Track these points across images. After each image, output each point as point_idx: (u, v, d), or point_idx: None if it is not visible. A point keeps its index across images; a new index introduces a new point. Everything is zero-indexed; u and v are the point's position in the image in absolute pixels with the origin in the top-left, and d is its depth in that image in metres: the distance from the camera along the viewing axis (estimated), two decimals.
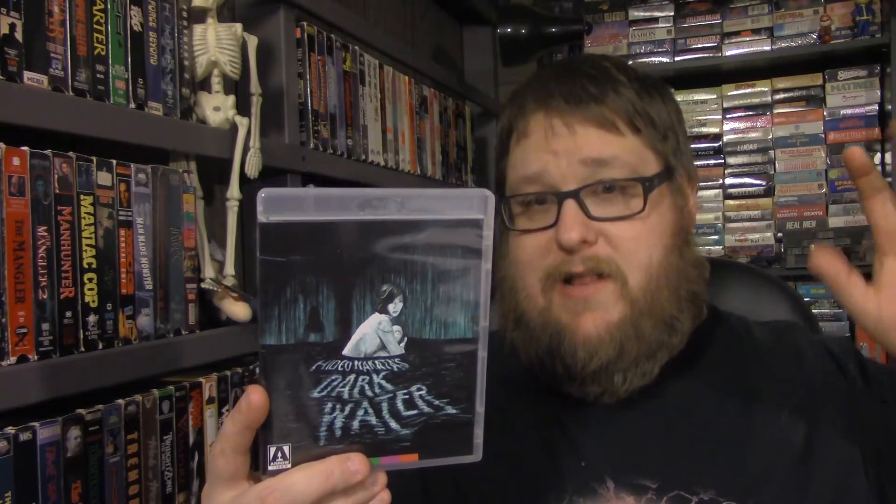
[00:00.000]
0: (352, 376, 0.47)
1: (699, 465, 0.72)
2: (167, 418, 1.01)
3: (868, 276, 0.61)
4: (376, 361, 0.48)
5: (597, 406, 0.76)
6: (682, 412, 0.76)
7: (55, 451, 0.83)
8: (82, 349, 0.91)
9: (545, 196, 0.75)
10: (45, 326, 0.86)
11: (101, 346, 0.94)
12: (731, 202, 2.49)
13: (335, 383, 0.47)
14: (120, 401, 0.93)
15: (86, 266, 0.91)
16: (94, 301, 0.92)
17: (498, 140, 0.82)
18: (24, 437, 0.80)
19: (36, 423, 0.82)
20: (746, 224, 2.47)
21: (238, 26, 1.20)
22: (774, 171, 2.46)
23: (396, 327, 0.48)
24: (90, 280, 0.92)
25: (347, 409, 0.48)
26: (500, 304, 0.80)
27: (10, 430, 0.79)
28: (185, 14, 1.14)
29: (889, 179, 2.29)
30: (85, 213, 0.91)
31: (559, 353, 0.73)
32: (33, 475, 0.81)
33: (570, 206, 0.72)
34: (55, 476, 0.83)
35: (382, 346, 0.48)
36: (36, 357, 0.84)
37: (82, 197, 0.91)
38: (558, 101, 0.75)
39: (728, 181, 2.51)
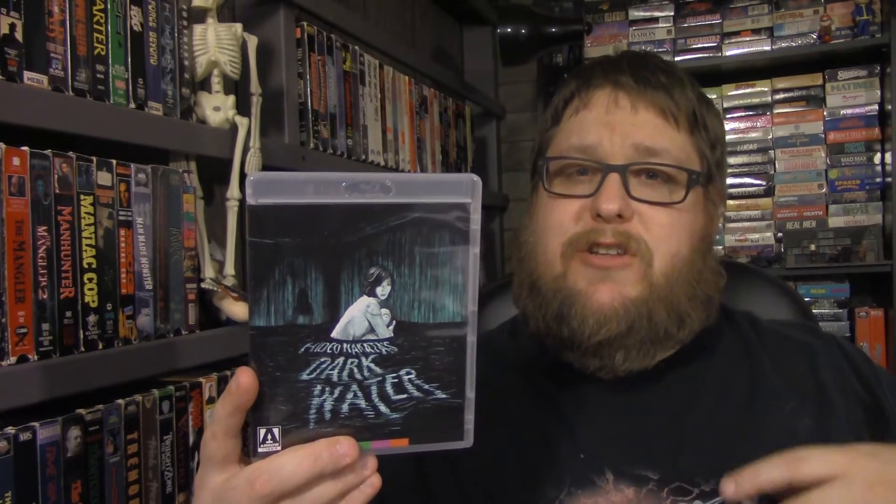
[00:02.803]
0: (340, 359, 0.48)
1: (701, 455, 0.72)
2: (167, 418, 1.01)
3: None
4: (365, 344, 0.48)
5: (596, 385, 0.76)
6: (684, 402, 0.76)
7: (55, 451, 0.83)
8: (82, 349, 0.91)
9: (590, 167, 0.76)
10: (45, 326, 0.86)
11: (101, 346, 0.94)
12: (731, 202, 2.49)
13: (324, 365, 0.47)
14: (120, 401, 0.93)
15: (86, 266, 0.91)
16: (94, 301, 0.92)
17: (551, 109, 0.83)
18: (24, 437, 0.80)
19: (36, 423, 0.82)
20: (746, 224, 2.46)
21: (238, 26, 1.20)
22: (774, 171, 2.46)
23: (385, 310, 0.48)
24: (90, 280, 0.92)
25: (337, 391, 0.48)
26: (517, 270, 0.81)
27: (10, 430, 0.79)
28: (185, 14, 1.14)
29: (889, 179, 2.29)
30: (85, 213, 0.91)
31: (568, 318, 0.73)
32: (33, 475, 0.81)
33: (613, 178, 0.74)
34: (55, 476, 0.83)
35: (371, 329, 0.48)
36: (36, 357, 0.84)
37: (82, 197, 0.91)
38: (627, 79, 0.78)
39: (728, 181, 2.50)
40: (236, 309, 1.18)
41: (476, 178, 0.48)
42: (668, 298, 0.74)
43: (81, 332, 0.91)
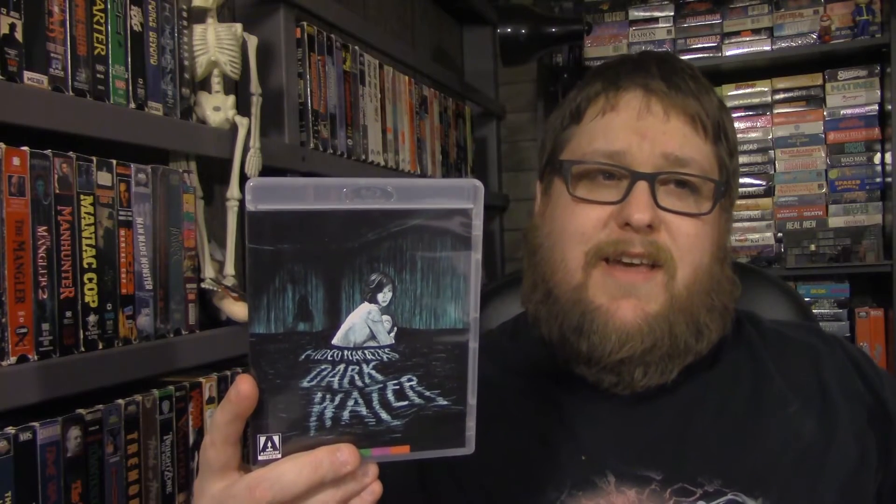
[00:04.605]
0: (341, 366, 0.47)
1: (704, 456, 0.72)
2: (167, 418, 1.01)
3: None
4: (366, 351, 0.47)
5: (603, 395, 0.76)
6: (687, 404, 0.76)
7: (55, 451, 0.83)
8: (82, 349, 0.91)
9: (617, 172, 0.74)
10: (45, 326, 0.86)
11: (101, 346, 0.94)
12: None
13: (325, 373, 0.47)
14: (120, 401, 0.93)
15: (86, 266, 0.91)
16: (94, 301, 0.92)
17: (570, 106, 0.81)
18: (24, 437, 0.80)
19: (36, 423, 0.82)
20: (746, 224, 2.47)
21: (238, 26, 1.20)
22: (774, 171, 2.46)
23: (386, 317, 0.47)
24: (90, 280, 0.92)
25: (337, 399, 0.48)
26: (530, 273, 0.79)
27: (10, 430, 0.79)
28: (185, 14, 1.14)
29: (889, 179, 2.29)
30: (85, 213, 0.91)
31: (588, 332, 0.72)
32: (33, 475, 0.81)
33: (642, 187, 0.72)
34: (55, 476, 0.83)
35: (372, 336, 0.47)
36: (36, 357, 0.84)
37: (82, 197, 0.91)
38: (659, 83, 0.76)
39: None
40: (236, 309, 1.18)
41: (478, 183, 0.47)
42: (688, 310, 0.73)
43: (81, 332, 0.91)
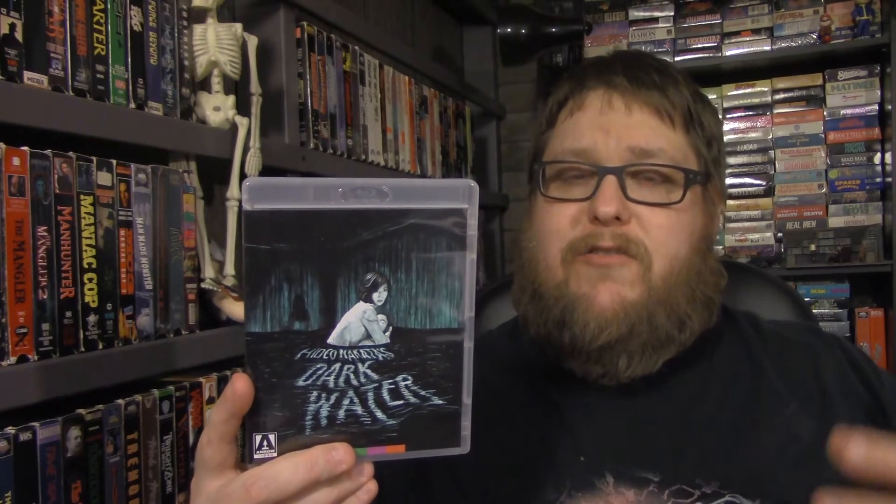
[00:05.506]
0: (337, 365, 0.48)
1: (702, 457, 0.72)
2: (167, 418, 1.01)
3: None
4: (361, 350, 0.48)
5: (598, 391, 0.76)
6: (685, 405, 0.76)
7: (55, 451, 0.83)
8: (82, 349, 0.91)
9: (586, 169, 0.75)
10: (45, 326, 0.86)
11: (101, 346, 0.94)
12: (731, 202, 2.49)
13: (320, 372, 0.47)
14: (120, 401, 0.93)
15: (86, 266, 0.91)
16: (94, 301, 0.92)
17: (546, 111, 0.83)
18: (24, 437, 0.80)
19: (36, 423, 0.82)
20: (746, 224, 2.47)
21: (238, 26, 1.20)
22: (774, 171, 2.46)
23: (381, 316, 0.47)
24: (90, 280, 0.92)
25: (333, 398, 0.48)
26: (518, 275, 0.80)
27: (10, 430, 0.79)
28: (185, 14, 1.14)
29: (889, 179, 2.29)
30: (85, 213, 0.91)
31: (570, 323, 0.73)
32: (33, 475, 0.81)
33: (610, 181, 0.73)
34: (55, 476, 0.83)
35: (367, 335, 0.48)
36: (36, 357, 0.84)
37: (82, 197, 0.91)
38: (621, 79, 0.77)
39: (728, 181, 2.50)
40: (236, 309, 1.18)
41: (473, 183, 0.47)
42: (667, 301, 0.73)
43: (81, 332, 0.91)
